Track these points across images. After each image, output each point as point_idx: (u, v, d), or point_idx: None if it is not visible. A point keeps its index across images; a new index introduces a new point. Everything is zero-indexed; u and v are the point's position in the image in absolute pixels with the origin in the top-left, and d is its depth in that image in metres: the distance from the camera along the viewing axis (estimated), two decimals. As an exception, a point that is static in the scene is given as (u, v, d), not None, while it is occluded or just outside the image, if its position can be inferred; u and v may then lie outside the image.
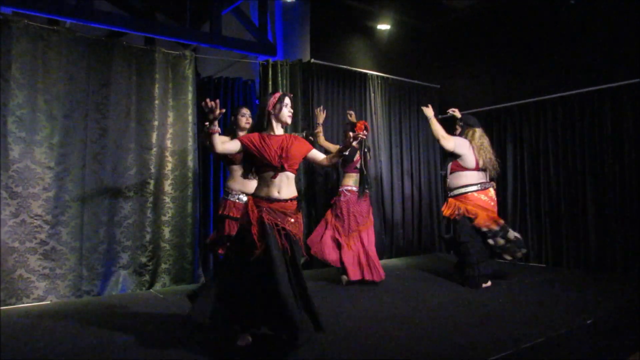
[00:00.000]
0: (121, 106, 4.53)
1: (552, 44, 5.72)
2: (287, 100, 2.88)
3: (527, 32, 5.98)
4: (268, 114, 2.86)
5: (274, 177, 2.77)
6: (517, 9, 6.00)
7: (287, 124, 2.92)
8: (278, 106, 2.85)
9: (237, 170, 3.78)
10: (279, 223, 2.71)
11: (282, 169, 2.77)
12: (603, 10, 5.26)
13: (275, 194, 2.77)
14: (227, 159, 3.85)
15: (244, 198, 3.79)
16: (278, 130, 2.89)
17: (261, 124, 2.88)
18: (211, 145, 2.71)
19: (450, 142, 4.42)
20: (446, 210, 4.54)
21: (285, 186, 2.80)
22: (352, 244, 4.56)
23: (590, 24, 5.37)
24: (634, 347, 3.14)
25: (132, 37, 4.93)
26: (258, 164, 2.81)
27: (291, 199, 2.81)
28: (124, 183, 4.50)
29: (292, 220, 2.78)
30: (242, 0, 5.50)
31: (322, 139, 4.81)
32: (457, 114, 4.72)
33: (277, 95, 2.88)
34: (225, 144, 2.80)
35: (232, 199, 3.83)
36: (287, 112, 2.87)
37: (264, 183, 2.81)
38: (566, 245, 5.44)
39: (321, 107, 4.88)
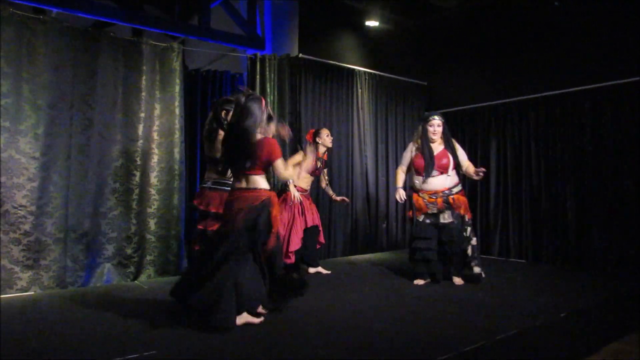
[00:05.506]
0: (107, 97, 4.51)
1: (537, 44, 5.80)
2: None
3: (514, 30, 6.05)
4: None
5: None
6: (504, 7, 6.07)
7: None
8: (267, 112, 2.98)
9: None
10: None
11: None
12: (587, 10, 5.36)
13: None
14: None
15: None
16: None
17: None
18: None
19: None
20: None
21: None
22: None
23: (576, 24, 5.47)
24: (606, 341, 3.26)
25: (120, 28, 4.90)
26: None
27: None
28: (110, 174, 4.49)
29: None
30: (231, -7, 5.49)
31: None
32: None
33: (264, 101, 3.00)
34: None
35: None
36: None
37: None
38: (546, 242, 5.56)
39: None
